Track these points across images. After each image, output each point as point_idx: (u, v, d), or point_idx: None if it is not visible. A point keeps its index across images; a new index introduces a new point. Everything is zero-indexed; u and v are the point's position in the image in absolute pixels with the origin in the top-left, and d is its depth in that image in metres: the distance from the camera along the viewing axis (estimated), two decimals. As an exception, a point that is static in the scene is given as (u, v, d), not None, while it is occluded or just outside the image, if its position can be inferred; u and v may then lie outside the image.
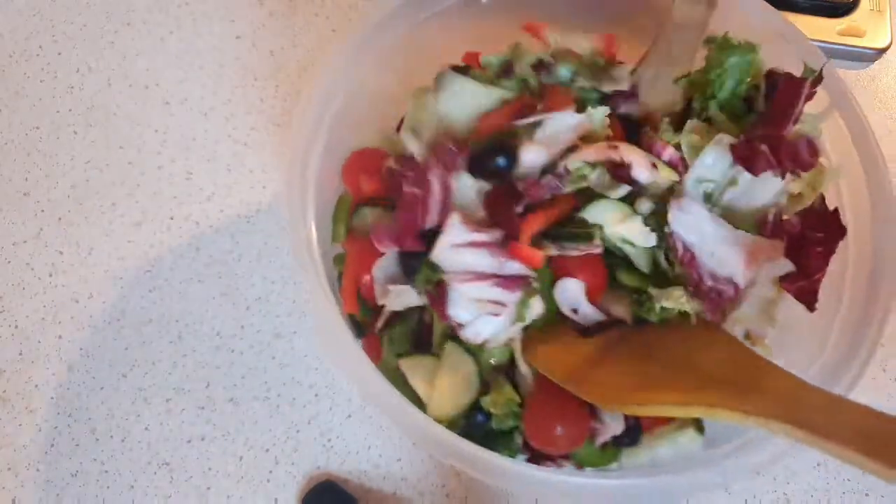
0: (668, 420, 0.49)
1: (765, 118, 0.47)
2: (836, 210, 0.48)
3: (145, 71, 0.70)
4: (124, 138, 0.67)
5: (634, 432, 0.48)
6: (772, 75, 0.48)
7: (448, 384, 0.47)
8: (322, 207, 0.47)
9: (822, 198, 0.49)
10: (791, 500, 0.58)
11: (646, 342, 0.46)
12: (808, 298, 0.47)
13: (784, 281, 0.47)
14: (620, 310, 0.48)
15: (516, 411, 0.47)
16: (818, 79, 0.46)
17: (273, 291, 0.61)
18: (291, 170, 0.45)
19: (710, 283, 0.46)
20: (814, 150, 0.46)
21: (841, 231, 0.47)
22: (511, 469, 0.41)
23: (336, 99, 0.49)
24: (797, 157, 0.45)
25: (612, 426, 0.47)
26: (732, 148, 0.45)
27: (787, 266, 0.47)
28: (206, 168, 0.66)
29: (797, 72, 0.47)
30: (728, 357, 0.42)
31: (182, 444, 0.57)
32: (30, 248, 0.62)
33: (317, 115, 0.47)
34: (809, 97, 0.46)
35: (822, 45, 0.73)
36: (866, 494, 0.59)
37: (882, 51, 0.73)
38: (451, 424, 0.45)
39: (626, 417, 0.47)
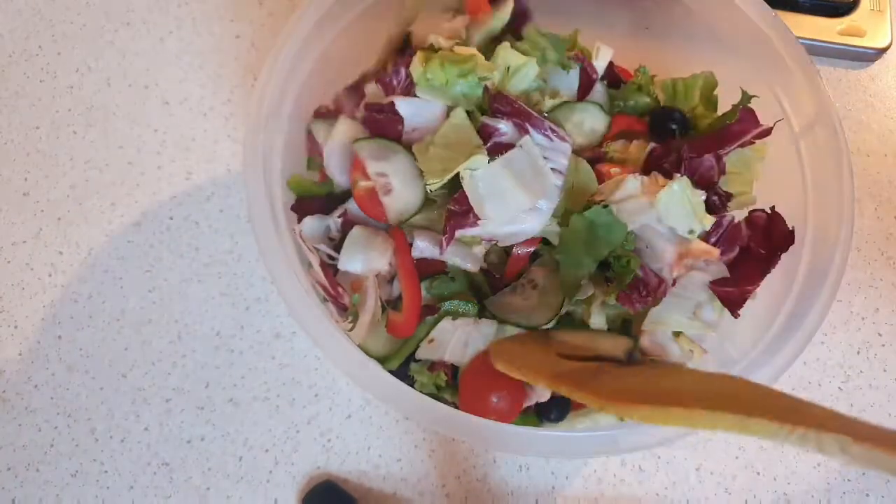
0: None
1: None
2: (791, 231, 0.48)
3: (145, 71, 0.70)
4: (124, 138, 0.67)
5: (563, 409, 0.49)
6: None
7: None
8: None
9: (775, 215, 0.49)
10: (791, 500, 0.58)
11: (641, 373, 0.44)
12: (734, 305, 0.48)
13: (715, 283, 0.48)
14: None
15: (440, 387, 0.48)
16: (766, 131, 0.49)
17: (273, 291, 0.61)
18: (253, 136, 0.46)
19: (639, 273, 0.47)
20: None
21: (788, 242, 0.48)
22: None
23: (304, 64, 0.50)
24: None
25: (539, 393, 0.48)
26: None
27: (720, 271, 0.48)
28: (205, 168, 0.66)
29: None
30: (750, 391, 0.39)
31: (182, 445, 0.57)
32: (29, 248, 0.62)
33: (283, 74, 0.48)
34: (761, 135, 0.49)
35: (823, 44, 0.73)
36: (867, 495, 0.58)
37: (882, 50, 0.74)
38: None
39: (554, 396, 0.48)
